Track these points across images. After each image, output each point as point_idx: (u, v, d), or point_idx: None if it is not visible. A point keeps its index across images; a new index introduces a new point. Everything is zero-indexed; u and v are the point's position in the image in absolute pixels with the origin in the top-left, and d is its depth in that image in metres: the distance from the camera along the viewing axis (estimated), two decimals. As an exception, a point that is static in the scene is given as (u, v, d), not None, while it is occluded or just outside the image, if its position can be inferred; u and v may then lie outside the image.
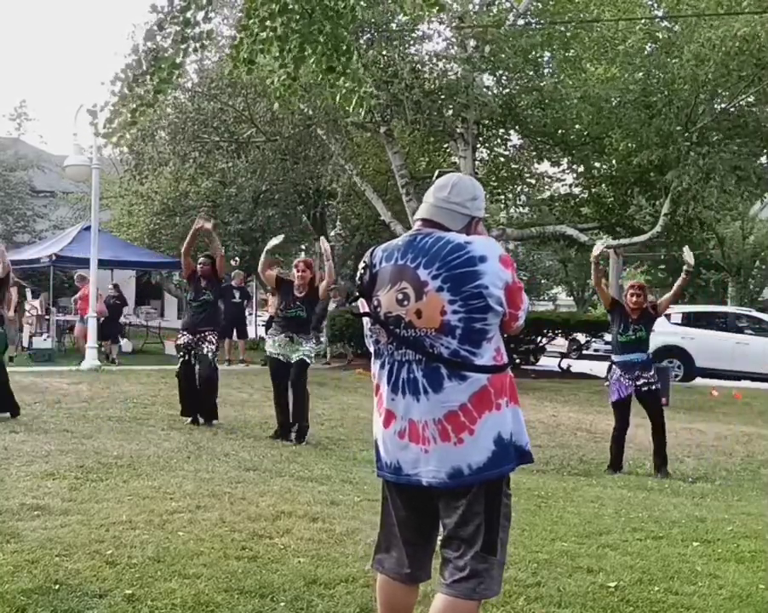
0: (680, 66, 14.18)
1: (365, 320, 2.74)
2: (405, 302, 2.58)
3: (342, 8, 4.75)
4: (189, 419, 8.66)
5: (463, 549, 2.60)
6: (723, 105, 15.31)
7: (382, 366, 2.69)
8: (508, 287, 2.57)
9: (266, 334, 8.12)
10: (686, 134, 14.79)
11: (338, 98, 5.19)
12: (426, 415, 2.58)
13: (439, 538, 2.79)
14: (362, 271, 2.72)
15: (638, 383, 7.36)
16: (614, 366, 7.57)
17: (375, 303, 2.66)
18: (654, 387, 7.43)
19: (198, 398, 8.70)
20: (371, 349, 2.76)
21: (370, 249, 2.79)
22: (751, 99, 15.79)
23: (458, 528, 2.61)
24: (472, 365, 2.55)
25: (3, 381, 8.46)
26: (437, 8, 5.06)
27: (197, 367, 8.69)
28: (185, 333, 8.72)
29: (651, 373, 7.47)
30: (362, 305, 2.73)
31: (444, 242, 2.58)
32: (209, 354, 8.66)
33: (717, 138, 15.24)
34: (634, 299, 7.36)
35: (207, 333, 8.65)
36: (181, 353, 8.70)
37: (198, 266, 8.89)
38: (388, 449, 2.70)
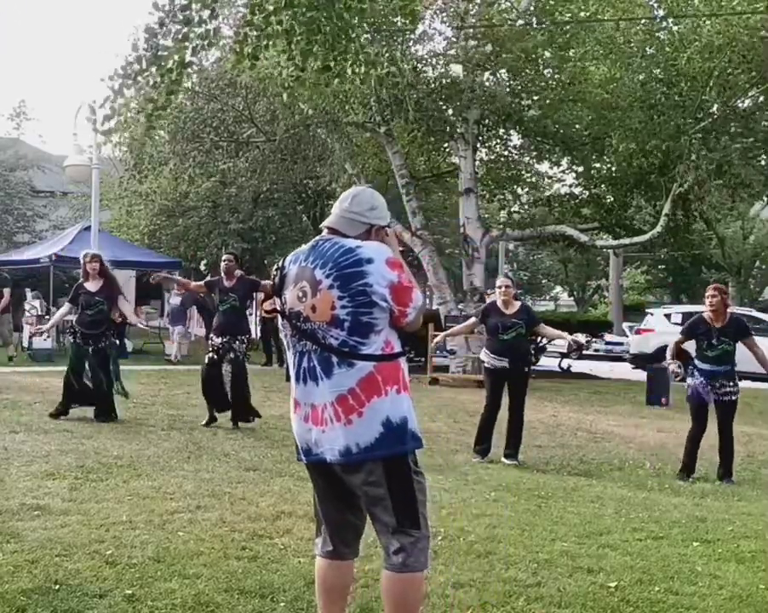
0: (689, 59, 14.09)
1: (279, 316, 3.04)
2: (304, 298, 2.89)
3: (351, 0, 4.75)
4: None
5: (384, 527, 2.85)
6: (730, 102, 15.24)
7: (292, 357, 2.98)
8: (393, 286, 2.84)
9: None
10: (694, 128, 14.71)
11: (338, 99, 5.22)
12: (323, 398, 2.85)
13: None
14: (275, 273, 3.04)
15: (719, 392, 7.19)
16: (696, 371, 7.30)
17: (283, 300, 2.98)
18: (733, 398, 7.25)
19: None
20: (284, 342, 3.05)
21: (284, 256, 3.13)
22: (750, 102, 15.81)
23: (371, 507, 2.87)
24: (359, 354, 2.82)
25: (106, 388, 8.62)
26: (411, 17, 5.12)
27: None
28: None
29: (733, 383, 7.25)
30: (275, 303, 3.06)
31: (338, 246, 2.89)
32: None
33: (734, 129, 15.17)
34: (710, 300, 7.12)
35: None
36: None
37: (223, 264, 8.79)
38: (298, 434, 2.99)
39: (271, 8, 4.66)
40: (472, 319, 8.07)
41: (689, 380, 7.45)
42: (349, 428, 2.79)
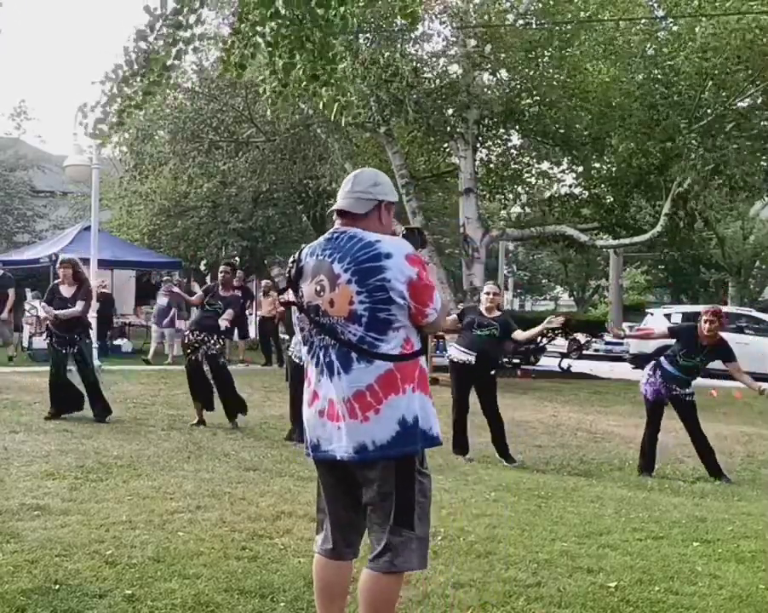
0: (685, 58, 14.09)
1: (294, 309, 3.00)
2: (322, 293, 2.85)
3: (333, 15, 4.73)
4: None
5: (381, 525, 2.81)
6: (728, 102, 15.24)
7: (309, 350, 2.94)
8: (412, 282, 2.79)
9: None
10: (692, 128, 14.71)
11: (321, 104, 5.21)
12: (340, 394, 2.81)
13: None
14: (291, 265, 2.99)
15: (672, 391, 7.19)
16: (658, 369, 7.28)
17: (300, 294, 2.94)
18: (688, 399, 7.24)
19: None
20: (299, 336, 3.01)
21: (300, 248, 3.05)
22: (750, 101, 15.81)
23: (374, 504, 2.83)
24: (377, 352, 2.78)
25: (93, 383, 8.80)
26: (410, 19, 5.10)
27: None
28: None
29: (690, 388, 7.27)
30: (290, 295, 3.01)
31: (357, 239, 2.84)
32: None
33: (730, 128, 15.15)
34: (708, 325, 7.00)
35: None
36: None
37: (219, 274, 8.95)
38: (310, 427, 2.93)
39: (256, 18, 4.63)
40: (453, 316, 7.98)
41: (645, 377, 7.40)
42: (366, 425, 2.76)
